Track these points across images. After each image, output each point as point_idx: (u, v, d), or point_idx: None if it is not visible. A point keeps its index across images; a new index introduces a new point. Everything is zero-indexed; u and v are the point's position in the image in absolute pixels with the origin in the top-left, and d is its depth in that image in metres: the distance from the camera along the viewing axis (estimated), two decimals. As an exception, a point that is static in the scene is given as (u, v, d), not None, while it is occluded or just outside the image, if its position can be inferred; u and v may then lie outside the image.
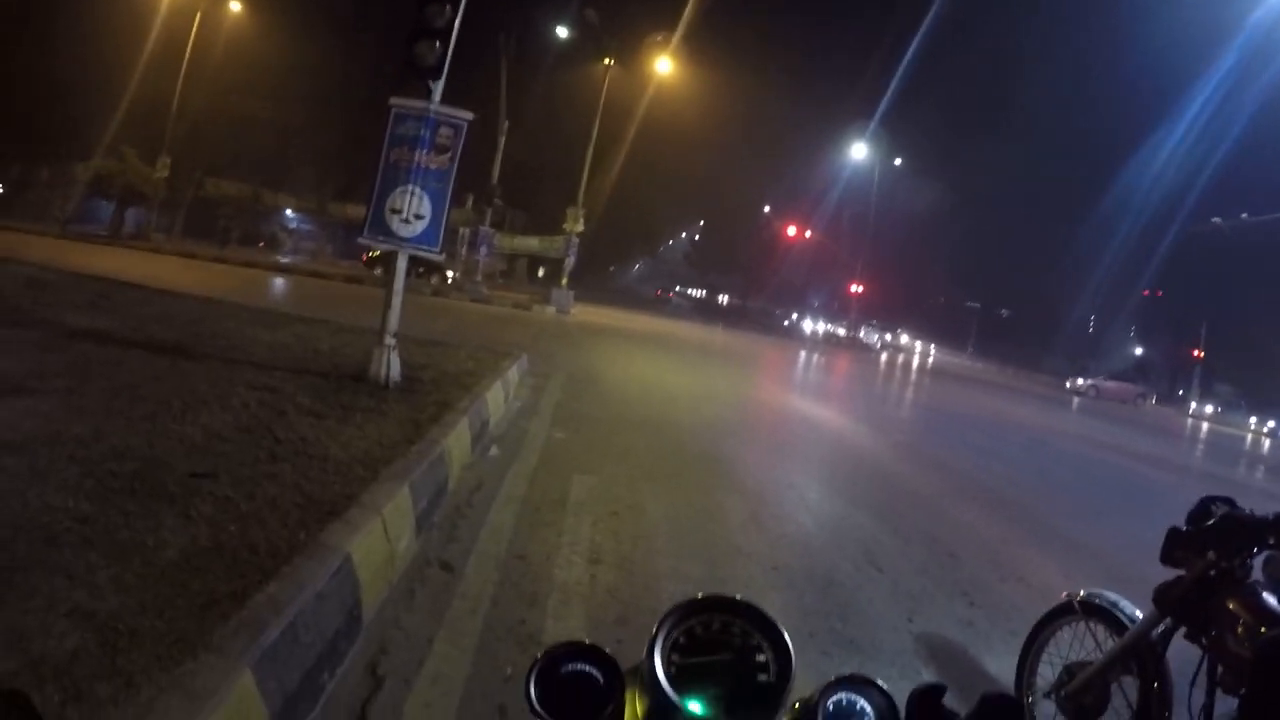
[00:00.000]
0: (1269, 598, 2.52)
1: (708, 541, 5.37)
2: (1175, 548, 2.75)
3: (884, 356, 46.96)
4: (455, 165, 8.14)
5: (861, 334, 57.00)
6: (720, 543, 5.37)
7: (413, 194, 7.96)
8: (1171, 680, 2.79)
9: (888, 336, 59.97)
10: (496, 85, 32.89)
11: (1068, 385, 46.06)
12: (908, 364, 42.92)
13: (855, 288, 57.42)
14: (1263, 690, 2.30)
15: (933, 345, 65.33)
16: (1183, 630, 2.74)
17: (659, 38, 35.47)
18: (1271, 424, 41.47)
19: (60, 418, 4.83)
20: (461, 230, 35.47)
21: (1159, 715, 2.76)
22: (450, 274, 35.49)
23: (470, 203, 36.38)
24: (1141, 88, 70.45)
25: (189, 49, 36.62)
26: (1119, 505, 10.33)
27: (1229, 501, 2.74)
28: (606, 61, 33.34)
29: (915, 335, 65.39)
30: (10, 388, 5.37)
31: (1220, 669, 2.53)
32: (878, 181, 53.85)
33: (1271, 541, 2.52)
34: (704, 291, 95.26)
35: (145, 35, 36.19)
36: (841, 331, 58.18)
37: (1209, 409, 45.23)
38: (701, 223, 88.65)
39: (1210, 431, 34.43)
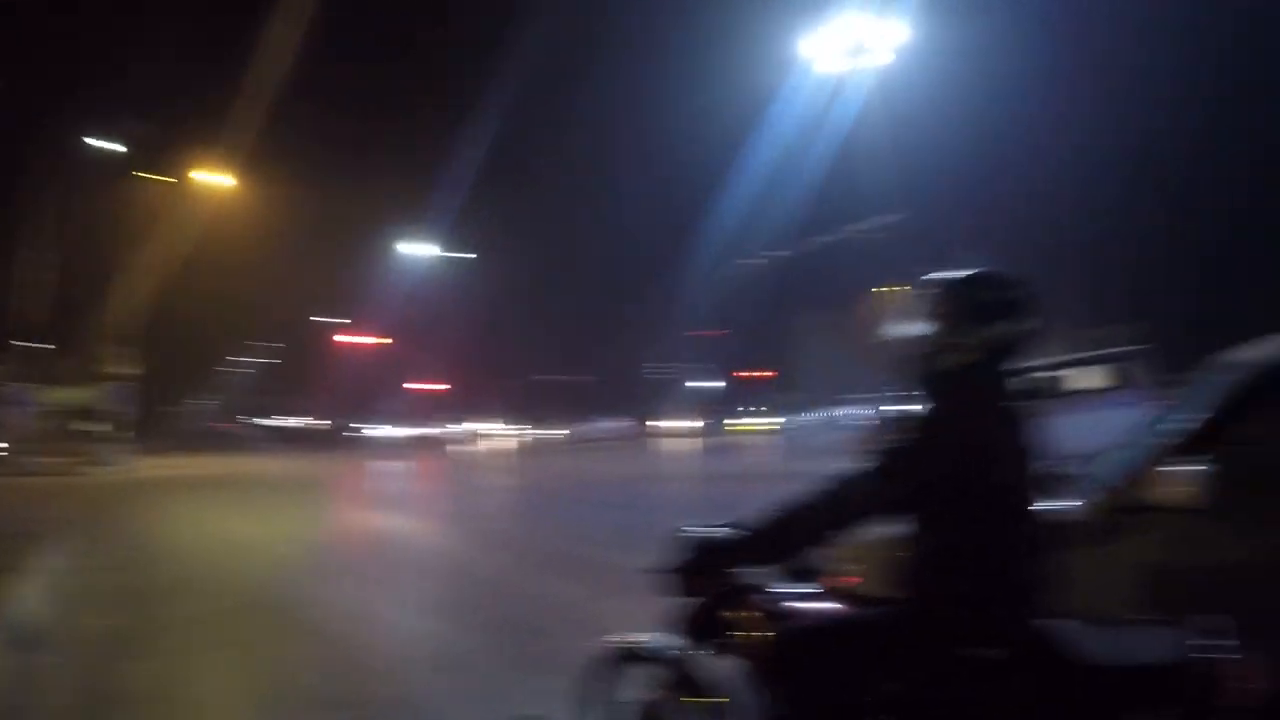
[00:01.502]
0: (770, 598, 2.77)
1: (276, 699, 5.10)
2: (681, 578, 2.88)
3: (466, 448, 47.50)
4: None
5: (445, 429, 57.31)
6: (290, 696, 5.11)
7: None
8: (724, 695, 2.92)
9: (470, 427, 60.71)
10: (32, 217, 28.82)
11: (569, 434, 49.30)
12: (491, 450, 43.79)
13: (428, 385, 57.88)
14: (783, 682, 2.56)
15: (520, 425, 67.01)
16: (718, 646, 2.89)
17: (212, 153, 33.20)
18: (773, 421, 47.26)
19: None
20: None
21: None
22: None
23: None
24: (692, 150, 77.79)
25: None
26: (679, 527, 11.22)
27: (718, 524, 2.88)
28: (153, 178, 30.74)
29: (499, 419, 66.62)
30: None
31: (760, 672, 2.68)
32: (438, 276, 55.11)
33: (739, 560, 2.72)
34: (279, 416, 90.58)
35: None
36: (424, 431, 58.11)
37: (684, 424, 50.16)
38: (271, 343, 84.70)
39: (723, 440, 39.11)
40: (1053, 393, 14.50)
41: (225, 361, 76.67)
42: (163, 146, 31.63)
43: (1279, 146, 27.63)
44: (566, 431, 48.80)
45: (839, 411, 40.77)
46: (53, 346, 38.67)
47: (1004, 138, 36.25)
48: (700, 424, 50.42)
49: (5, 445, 30.40)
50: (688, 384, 76.85)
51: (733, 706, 2.97)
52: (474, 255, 62.72)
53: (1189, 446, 3.47)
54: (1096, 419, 11.55)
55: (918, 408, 2.57)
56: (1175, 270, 29.62)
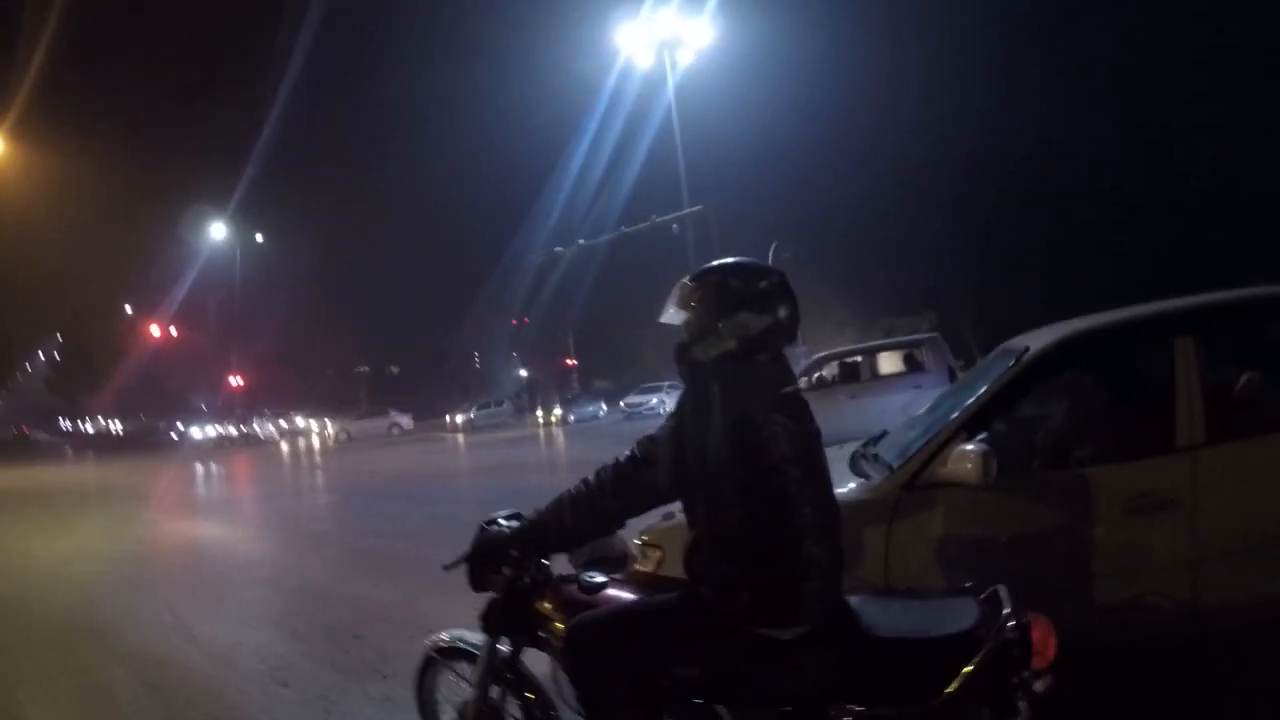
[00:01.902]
0: (570, 588, 2.82)
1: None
2: (478, 572, 2.93)
3: (283, 446, 45.58)
4: None
5: (254, 428, 54.81)
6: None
7: None
8: (542, 686, 2.99)
9: (283, 423, 58.21)
10: None
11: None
12: (307, 447, 42.22)
13: (236, 380, 55.27)
14: (577, 672, 2.61)
15: (328, 420, 64.55)
16: (526, 638, 2.94)
17: None
18: (558, 413, 46.50)
19: None
20: None
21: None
22: None
23: None
24: (506, 143, 76.62)
25: None
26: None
27: (516, 516, 2.99)
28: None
29: (311, 414, 63.86)
30: None
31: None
32: (242, 264, 52.62)
33: (515, 554, 2.80)
34: (77, 418, 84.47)
35: None
36: (233, 431, 55.49)
37: (462, 419, 48.09)
38: (59, 338, 78.32)
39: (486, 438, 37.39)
40: (850, 377, 15.22)
41: (13, 357, 70.48)
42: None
43: (1074, 151, 29.55)
44: (353, 426, 47.69)
45: (633, 400, 40.33)
46: None
47: (808, 137, 37.59)
48: (500, 414, 49.52)
49: None
50: (490, 374, 76.11)
51: (541, 699, 2.99)
52: (282, 244, 60.26)
53: (972, 425, 3.68)
54: (890, 401, 12.26)
55: (681, 395, 2.64)
56: (969, 262, 31.53)
